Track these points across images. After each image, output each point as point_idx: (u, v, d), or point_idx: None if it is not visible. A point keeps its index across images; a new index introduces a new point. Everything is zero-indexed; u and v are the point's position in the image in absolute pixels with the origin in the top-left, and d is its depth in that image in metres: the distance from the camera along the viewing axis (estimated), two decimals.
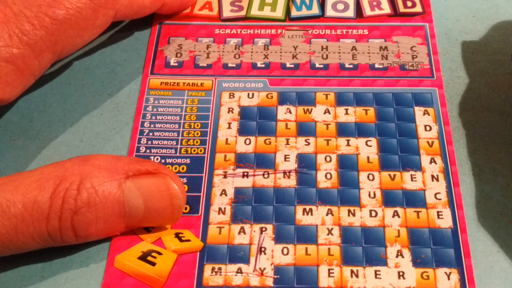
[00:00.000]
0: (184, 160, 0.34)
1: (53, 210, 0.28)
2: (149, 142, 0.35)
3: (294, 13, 0.40)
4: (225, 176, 0.33)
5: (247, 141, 0.34)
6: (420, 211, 0.31)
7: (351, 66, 0.37)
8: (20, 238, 0.28)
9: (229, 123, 0.35)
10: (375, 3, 0.40)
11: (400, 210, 0.32)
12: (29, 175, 0.29)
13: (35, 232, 0.28)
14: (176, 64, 0.38)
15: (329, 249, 0.31)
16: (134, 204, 0.30)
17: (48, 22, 0.32)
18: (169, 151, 0.34)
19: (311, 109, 0.35)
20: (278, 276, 0.30)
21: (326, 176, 0.33)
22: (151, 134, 0.35)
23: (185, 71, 0.37)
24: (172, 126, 0.35)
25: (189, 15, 0.40)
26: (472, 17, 0.40)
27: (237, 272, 0.30)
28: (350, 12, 0.40)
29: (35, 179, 0.29)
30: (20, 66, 0.32)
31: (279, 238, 0.31)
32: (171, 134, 0.35)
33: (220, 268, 0.30)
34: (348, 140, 0.34)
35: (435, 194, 0.32)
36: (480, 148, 0.34)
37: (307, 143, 0.34)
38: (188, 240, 0.31)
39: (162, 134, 0.35)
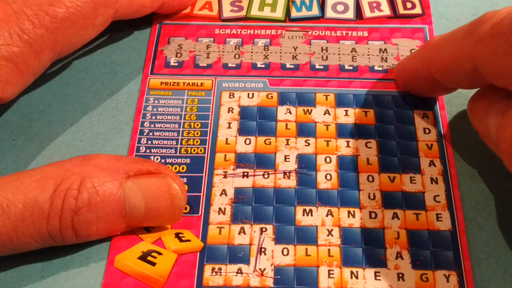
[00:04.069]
0: (184, 160, 0.34)
1: (53, 210, 0.28)
2: (149, 142, 0.35)
3: (294, 14, 0.40)
4: (225, 176, 0.33)
5: (247, 141, 0.35)
6: (420, 213, 0.32)
7: (351, 67, 0.37)
8: (21, 238, 0.28)
9: (229, 123, 0.35)
10: (374, 5, 0.40)
11: (399, 212, 0.32)
12: (29, 175, 0.29)
13: (36, 232, 0.28)
14: (176, 64, 0.38)
15: (329, 250, 0.31)
16: (135, 204, 0.30)
17: (48, 20, 0.32)
18: (169, 151, 0.34)
19: (311, 109, 0.36)
20: (278, 277, 0.30)
21: (326, 177, 0.33)
22: (151, 134, 0.35)
23: (185, 71, 0.37)
24: (172, 126, 0.35)
25: (189, 15, 0.40)
26: (473, 16, 0.40)
27: (237, 273, 0.30)
28: (350, 14, 0.40)
29: (35, 179, 0.29)
30: (20, 64, 0.32)
31: (279, 238, 0.31)
32: (171, 134, 0.35)
33: (220, 268, 0.30)
34: (348, 142, 0.34)
35: (434, 197, 0.32)
36: (479, 150, 0.34)
37: (307, 144, 0.34)
38: (188, 240, 0.31)
39: (162, 134, 0.35)
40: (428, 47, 0.33)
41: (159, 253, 0.31)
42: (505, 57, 0.28)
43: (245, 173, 0.33)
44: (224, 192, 0.33)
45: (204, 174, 0.33)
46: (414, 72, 0.34)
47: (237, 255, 0.31)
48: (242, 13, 0.40)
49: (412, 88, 0.36)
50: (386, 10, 0.40)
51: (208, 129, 0.35)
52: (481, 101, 0.32)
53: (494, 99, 0.31)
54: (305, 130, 0.35)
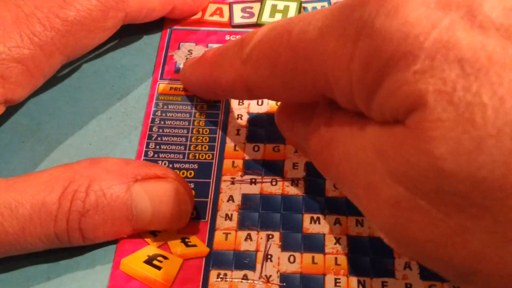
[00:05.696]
0: (191, 166, 0.34)
1: (61, 212, 0.28)
2: (157, 147, 0.35)
3: None
4: (232, 183, 0.33)
5: (256, 148, 0.34)
6: None
7: None
8: (28, 239, 0.28)
9: (238, 130, 0.35)
10: None
11: None
12: (38, 176, 0.29)
13: (43, 233, 0.28)
14: None
15: (336, 258, 0.30)
16: (142, 208, 0.30)
17: (59, 23, 0.33)
18: (177, 156, 0.34)
19: None
20: (284, 284, 0.30)
21: (334, 185, 0.33)
22: (159, 139, 0.35)
23: None
24: (181, 131, 0.35)
25: (200, 21, 0.40)
26: None
27: (242, 279, 0.30)
28: None
29: (44, 181, 0.29)
30: (31, 67, 0.32)
31: (285, 245, 0.31)
32: (180, 139, 0.35)
33: (225, 274, 0.30)
34: None
35: None
36: None
37: None
38: (194, 245, 0.31)
39: (171, 139, 0.35)
40: (205, 63, 0.33)
41: (165, 258, 0.31)
42: (270, 80, 0.27)
43: (253, 180, 0.33)
44: (231, 198, 0.33)
45: (211, 180, 0.33)
46: (199, 86, 0.35)
47: (243, 261, 0.31)
48: (253, 20, 0.40)
49: (202, 97, 0.36)
50: None
51: (217, 136, 0.35)
52: (286, 111, 0.31)
53: (298, 109, 0.30)
54: None
